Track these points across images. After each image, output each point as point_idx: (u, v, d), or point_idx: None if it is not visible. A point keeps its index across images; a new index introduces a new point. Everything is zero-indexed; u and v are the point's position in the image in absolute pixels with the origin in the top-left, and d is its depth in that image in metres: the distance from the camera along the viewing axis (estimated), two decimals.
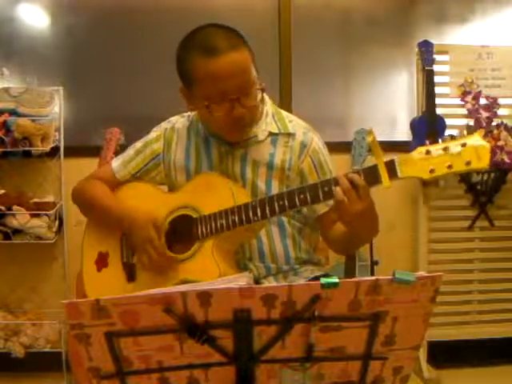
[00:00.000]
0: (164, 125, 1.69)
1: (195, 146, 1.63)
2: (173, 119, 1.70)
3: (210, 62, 1.41)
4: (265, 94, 1.61)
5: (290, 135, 1.59)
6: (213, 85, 1.43)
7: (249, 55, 1.47)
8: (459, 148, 1.24)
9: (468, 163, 1.24)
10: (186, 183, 1.61)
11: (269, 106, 1.62)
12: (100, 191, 1.66)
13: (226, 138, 1.56)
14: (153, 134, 1.69)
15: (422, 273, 0.99)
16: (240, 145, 1.57)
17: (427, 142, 1.32)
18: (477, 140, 1.24)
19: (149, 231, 1.49)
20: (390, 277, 0.98)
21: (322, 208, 1.58)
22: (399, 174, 1.28)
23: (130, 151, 1.69)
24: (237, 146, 1.58)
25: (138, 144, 1.69)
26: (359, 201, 1.32)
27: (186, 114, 1.68)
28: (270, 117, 1.61)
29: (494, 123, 2.89)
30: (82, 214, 1.75)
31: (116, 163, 1.70)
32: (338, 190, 1.32)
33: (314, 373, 1.06)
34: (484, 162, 1.23)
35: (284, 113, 1.65)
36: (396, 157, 1.30)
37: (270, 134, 1.58)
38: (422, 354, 2.87)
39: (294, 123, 1.62)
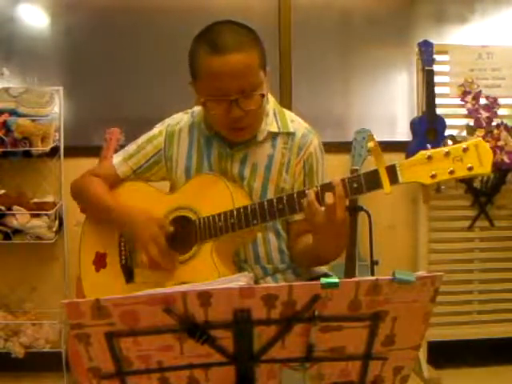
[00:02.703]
0: (167, 121, 1.68)
1: (197, 144, 1.61)
2: (176, 116, 1.69)
3: (212, 59, 1.40)
4: (269, 93, 1.59)
5: (289, 135, 1.57)
6: (212, 82, 1.42)
7: (257, 57, 1.44)
8: (461, 153, 1.23)
9: (470, 168, 1.22)
10: (185, 183, 1.60)
11: (271, 105, 1.59)
12: (99, 189, 1.64)
13: (226, 136, 1.55)
14: (155, 130, 1.67)
15: (422, 273, 0.99)
16: (240, 147, 1.56)
17: (429, 147, 1.30)
18: (479, 145, 1.23)
19: (152, 229, 1.49)
20: (390, 277, 0.98)
21: (297, 214, 1.55)
22: (400, 179, 1.27)
23: (132, 147, 1.68)
24: (237, 149, 1.56)
25: (140, 140, 1.68)
26: (341, 209, 1.30)
27: (189, 111, 1.67)
28: (271, 115, 1.58)
29: (494, 123, 2.89)
30: (81, 210, 1.75)
31: (117, 159, 1.68)
32: (330, 195, 1.30)
33: (313, 373, 1.06)
34: (486, 168, 1.22)
35: (287, 112, 1.63)
36: (397, 161, 1.28)
37: (270, 133, 1.56)
38: (422, 353, 2.87)
39: (295, 123, 1.59)
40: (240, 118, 1.45)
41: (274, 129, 1.57)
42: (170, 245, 1.54)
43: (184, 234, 1.51)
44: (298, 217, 1.55)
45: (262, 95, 1.45)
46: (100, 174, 1.69)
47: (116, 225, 1.60)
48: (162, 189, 1.69)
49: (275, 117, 1.59)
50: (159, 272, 1.51)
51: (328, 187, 1.32)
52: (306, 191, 1.35)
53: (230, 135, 1.53)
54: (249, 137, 1.54)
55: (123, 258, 1.60)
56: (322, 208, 1.31)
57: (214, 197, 1.50)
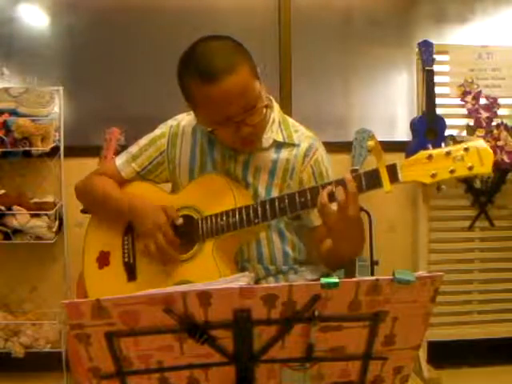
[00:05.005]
0: (170, 122, 1.67)
1: (200, 146, 1.62)
2: (179, 117, 1.68)
3: (207, 88, 1.37)
4: (273, 100, 1.60)
5: (294, 146, 1.57)
6: (214, 111, 1.40)
7: (249, 72, 1.41)
8: (462, 153, 1.24)
9: (470, 168, 1.23)
10: (189, 183, 1.60)
11: (276, 113, 1.60)
12: (109, 184, 1.65)
13: (238, 149, 1.55)
14: (158, 131, 1.67)
15: (421, 273, 0.99)
16: (244, 151, 1.56)
17: (429, 146, 1.30)
18: (480, 145, 1.23)
19: (159, 217, 1.50)
20: (389, 277, 0.98)
21: (317, 220, 1.55)
22: (400, 179, 1.28)
23: (134, 148, 1.67)
24: (240, 152, 1.56)
25: (143, 141, 1.67)
26: (354, 206, 1.31)
27: (192, 112, 1.65)
28: (277, 124, 1.58)
29: (493, 123, 2.89)
30: (87, 208, 1.75)
31: (120, 161, 1.68)
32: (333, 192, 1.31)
33: (314, 373, 1.06)
34: (487, 168, 1.23)
35: (291, 121, 1.63)
36: (398, 161, 1.29)
37: (275, 142, 1.57)
38: (422, 353, 2.86)
39: (299, 133, 1.60)
40: (249, 133, 1.45)
41: (279, 138, 1.57)
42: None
43: (187, 232, 1.52)
44: (317, 222, 1.54)
45: (265, 106, 1.46)
46: (105, 174, 1.70)
47: (125, 215, 1.59)
48: (168, 187, 1.70)
49: (280, 126, 1.59)
50: (161, 270, 1.52)
51: (340, 184, 1.32)
52: (320, 191, 1.35)
53: (241, 148, 1.54)
54: (259, 144, 1.55)
55: (126, 256, 1.61)
56: (334, 207, 1.31)
57: (216, 196, 1.51)
